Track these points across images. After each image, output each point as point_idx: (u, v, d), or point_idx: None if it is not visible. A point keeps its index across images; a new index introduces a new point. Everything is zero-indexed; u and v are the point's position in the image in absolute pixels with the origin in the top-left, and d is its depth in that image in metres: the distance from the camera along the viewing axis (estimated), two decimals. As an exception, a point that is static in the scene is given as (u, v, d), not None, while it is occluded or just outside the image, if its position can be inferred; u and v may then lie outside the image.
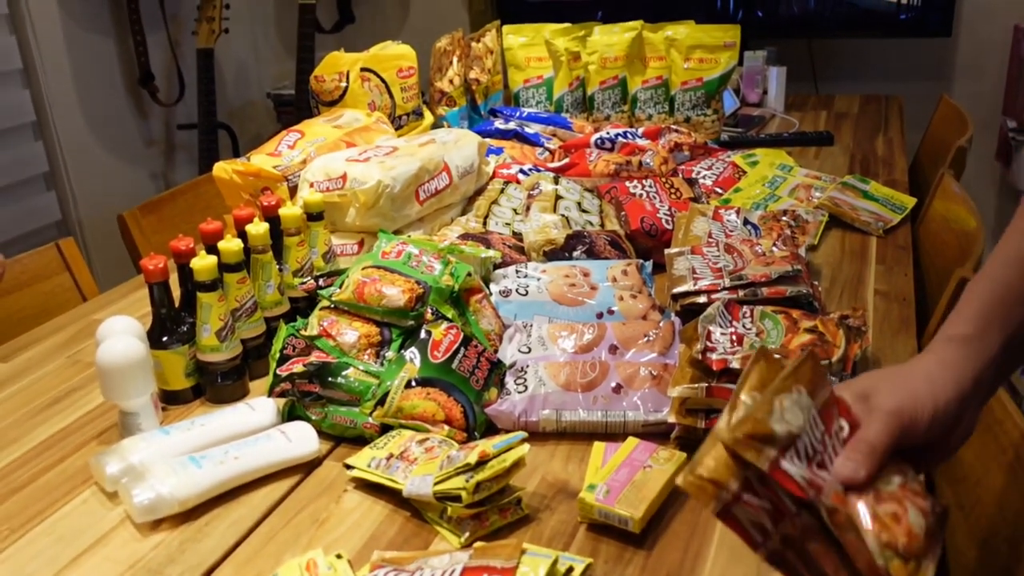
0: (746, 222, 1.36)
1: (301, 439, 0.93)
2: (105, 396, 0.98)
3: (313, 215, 1.18)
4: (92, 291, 1.53)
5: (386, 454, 0.89)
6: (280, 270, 1.14)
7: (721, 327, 0.94)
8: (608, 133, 1.74)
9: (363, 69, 1.67)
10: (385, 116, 1.66)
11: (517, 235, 1.34)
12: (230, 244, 1.04)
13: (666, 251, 1.24)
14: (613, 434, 0.94)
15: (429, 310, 1.01)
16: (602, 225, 1.39)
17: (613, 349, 1.00)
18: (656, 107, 1.97)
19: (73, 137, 2.59)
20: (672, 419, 0.90)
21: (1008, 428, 0.87)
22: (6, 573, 0.80)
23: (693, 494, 0.58)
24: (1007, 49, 2.53)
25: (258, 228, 1.09)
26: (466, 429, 0.93)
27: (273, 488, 0.90)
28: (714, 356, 0.89)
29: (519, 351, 1.02)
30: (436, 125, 1.84)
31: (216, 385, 1.06)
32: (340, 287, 1.05)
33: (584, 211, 1.41)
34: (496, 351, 1.04)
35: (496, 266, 1.22)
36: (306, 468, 0.93)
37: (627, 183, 1.48)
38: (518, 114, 1.92)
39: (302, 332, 1.01)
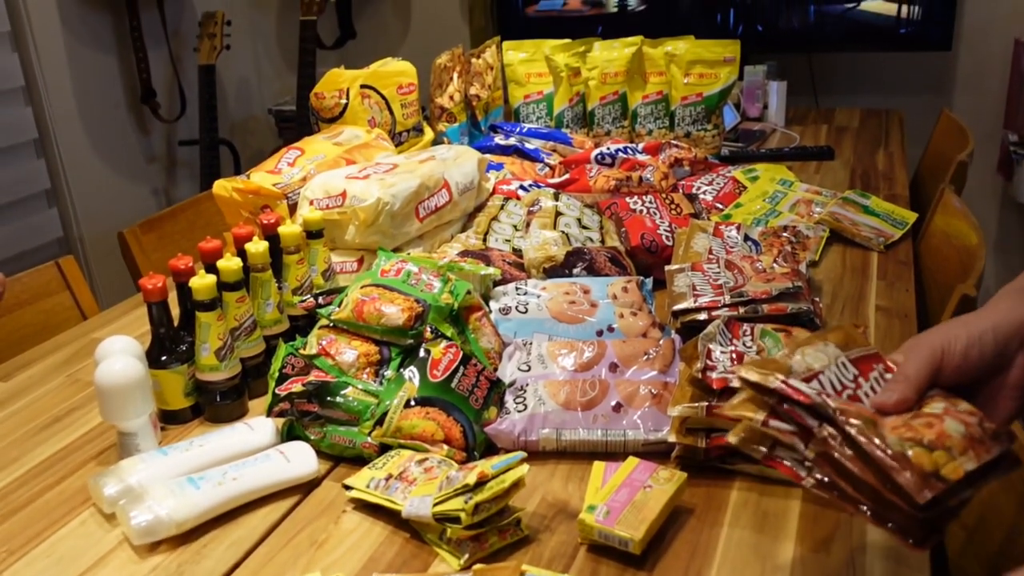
0: (747, 238, 1.36)
1: (300, 459, 0.92)
2: (104, 417, 0.97)
3: (313, 233, 1.18)
4: (92, 309, 1.53)
5: (385, 475, 0.88)
6: (279, 288, 1.14)
7: (721, 345, 0.94)
8: (608, 148, 1.74)
9: (363, 86, 1.67)
10: (385, 133, 1.66)
11: (517, 252, 1.34)
12: (229, 263, 1.04)
13: (666, 268, 1.24)
14: (613, 453, 0.93)
15: (428, 328, 1.01)
16: (602, 241, 1.38)
17: (613, 367, 1.00)
18: (656, 122, 1.97)
19: (75, 154, 2.59)
20: (672, 438, 0.89)
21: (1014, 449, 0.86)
22: (3, 596, 0.80)
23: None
24: (1008, 63, 2.54)
25: (257, 246, 1.09)
26: (465, 449, 0.92)
27: (272, 509, 0.89)
28: (714, 375, 0.88)
29: (519, 369, 1.02)
30: (436, 141, 1.84)
31: (215, 404, 1.06)
32: (339, 306, 1.04)
33: (584, 227, 1.41)
34: (495, 369, 1.04)
35: (496, 283, 1.22)
36: (305, 489, 0.92)
37: (627, 199, 1.48)
38: (518, 130, 1.93)
39: (301, 351, 1.01)
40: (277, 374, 0.99)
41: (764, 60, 2.37)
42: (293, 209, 1.36)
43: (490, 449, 0.95)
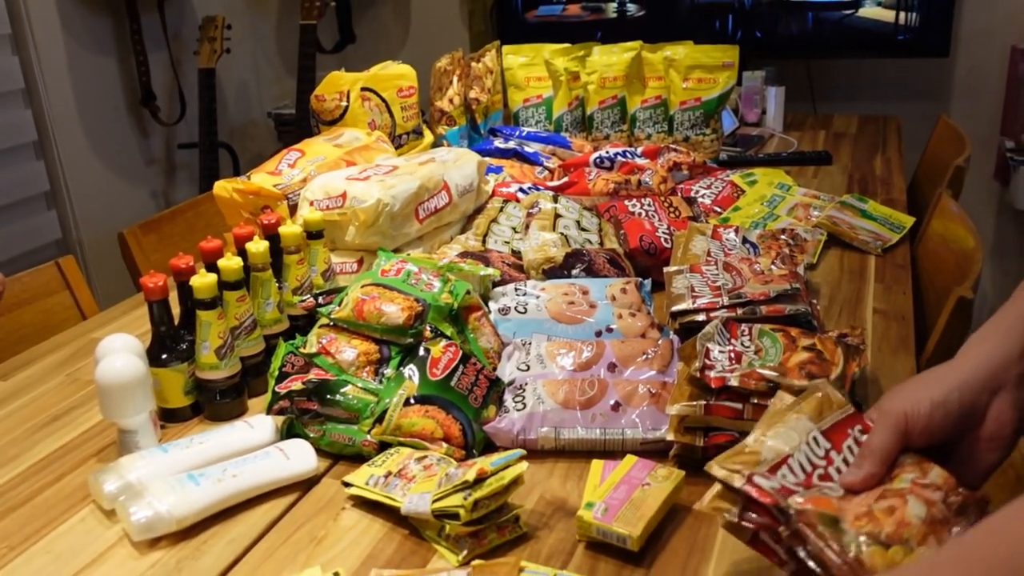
0: (745, 241, 1.36)
1: (299, 457, 0.93)
2: (104, 414, 0.98)
3: (313, 233, 1.19)
4: (92, 309, 1.53)
5: (384, 472, 0.89)
6: (279, 288, 1.14)
7: (719, 345, 0.94)
8: (607, 152, 1.75)
9: (363, 88, 1.68)
10: (385, 135, 1.67)
11: (516, 253, 1.34)
12: (230, 262, 1.05)
13: (665, 269, 1.24)
14: (611, 452, 0.94)
15: (428, 328, 1.01)
16: (601, 243, 1.39)
17: (612, 367, 1.00)
18: (655, 126, 1.98)
19: (74, 156, 2.60)
20: (671, 437, 0.90)
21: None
22: (3, 591, 0.80)
23: (724, 527, 0.67)
24: (1005, 69, 2.55)
25: (258, 246, 1.10)
26: (464, 447, 0.93)
27: (271, 506, 0.90)
28: (712, 374, 0.89)
29: (518, 369, 1.02)
30: (436, 144, 1.85)
31: (215, 403, 1.06)
32: (339, 305, 1.05)
33: (583, 229, 1.42)
34: (495, 369, 1.04)
35: (495, 284, 1.23)
36: (304, 486, 0.92)
37: (626, 202, 1.49)
38: (518, 133, 1.93)
39: (301, 350, 1.02)
40: (277, 372, 0.99)
41: (762, 66, 2.38)
42: (293, 210, 1.36)
43: (489, 447, 0.95)
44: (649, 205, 1.47)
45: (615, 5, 2.77)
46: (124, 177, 2.80)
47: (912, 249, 1.49)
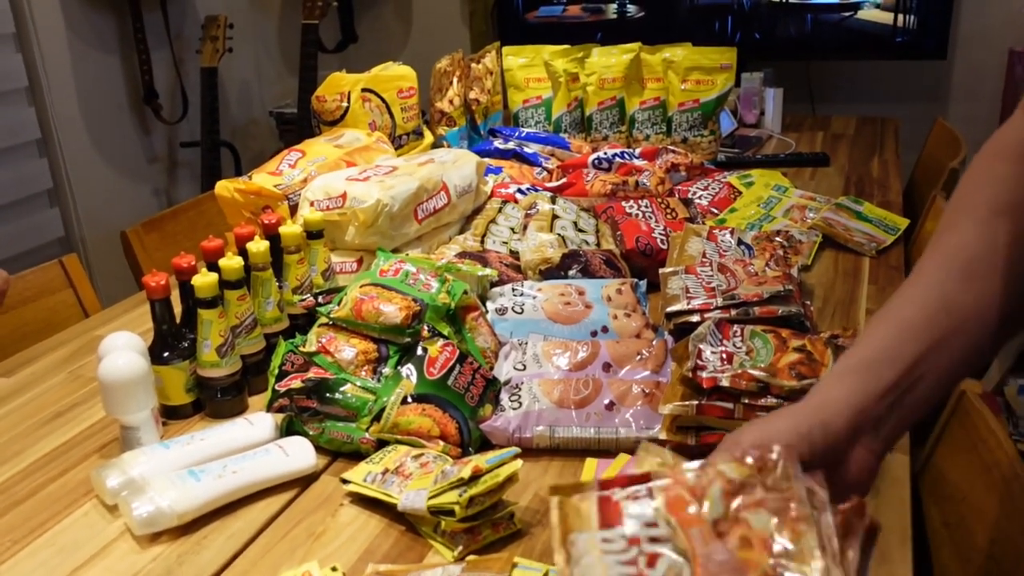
0: (740, 242, 1.38)
1: (298, 454, 0.94)
2: (107, 411, 0.99)
3: (313, 233, 1.20)
4: (94, 307, 1.55)
5: (382, 469, 0.90)
6: (280, 287, 1.16)
7: (712, 346, 0.96)
8: (606, 153, 1.76)
9: (364, 89, 1.69)
10: (385, 136, 1.68)
11: (514, 254, 1.36)
12: (231, 261, 1.06)
13: (660, 270, 1.26)
14: (606, 450, 0.95)
15: (425, 327, 1.03)
16: (598, 244, 1.41)
17: (607, 367, 1.02)
18: (654, 128, 1.99)
19: (77, 154, 2.61)
20: (663, 436, 0.91)
21: (992, 446, 0.88)
22: (7, 584, 0.82)
23: None
24: (1002, 72, 2.56)
25: (259, 246, 1.11)
26: (461, 445, 0.94)
27: (270, 502, 0.91)
28: (704, 374, 0.90)
29: (514, 368, 1.04)
30: (436, 145, 1.86)
31: (216, 400, 1.07)
32: (338, 304, 1.06)
33: (580, 230, 1.43)
34: (492, 368, 1.06)
35: (493, 284, 1.24)
36: (303, 482, 0.94)
37: (623, 203, 1.50)
38: (517, 134, 1.95)
39: (301, 348, 1.03)
40: (277, 371, 1.01)
41: (761, 67, 2.39)
42: (294, 210, 1.38)
43: (485, 445, 0.97)
44: (646, 206, 1.49)
45: (615, 6, 2.78)
46: (126, 175, 2.81)
47: (907, 251, 1.51)
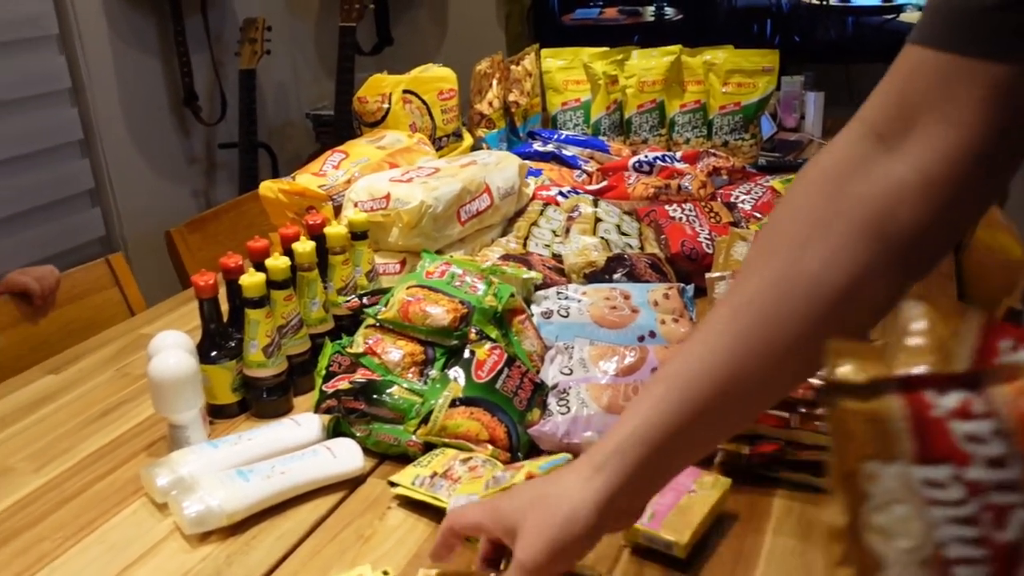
0: (787, 247, 1.35)
1: (346, 455, 0.94)
2: (156, 409, 1.00)
3: (357, 234, 1.20)
4: (140, 305, 1.56)
5: (430, 472, 0.90)
6: (325, 288, 1.16)
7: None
8: (646, 156, 1.75)
9: (405, 91, 1.69)
10: (426, 137, 1.68)
11: (557, 257, 1.35)
12: (278, 261, 1.06)
13: (707, 275, 1.24)
14: (655, 457, 0.94)
15: (473, 330, 1.02)
16: (642, 248, 1.39)
17: (655, 372, 1.00)
18: (694, 131, 1.98)
19: (118, 155, 2.64)
20: (715, 443, 0.90)
21: None
22: (60, 581, 0.82)
23: None
24: (1049, 76, 2.51)
25: (305, 246, 1.11)
26: (510, 449, 0.93)
27: (318, 503, 0.91)
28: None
29: (561, 372, 1.03)
30: (475, 147, 1.86)
31: (261, 400, 1.07)
32: (385, 306, 1.06)
33: (624, 234, 1.42)
34: (538, 372, 1.05)
35: (537, 287, 1.23)
36: (350, 484, 0.94)
37: (667, 207, 1.49)
38: (556, 136, 1.94)
39: (348, 349, 1.03)
40: (324, 371, 1.00)
41: (801, 70, 2.36)
42: (338, 211, 1.38)
43: (533, 450, 0.96)
44: (690, 210, 1.47)
45: (652, 9, 2.77)
46: (166, 176, 2.84)
47: (957, 258, 1.48)
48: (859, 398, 0.35)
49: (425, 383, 1.00)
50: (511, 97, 1.97)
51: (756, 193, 1.66)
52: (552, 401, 0.98)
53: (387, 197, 1.30)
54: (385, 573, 0.78)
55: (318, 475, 0.92)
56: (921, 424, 0.35)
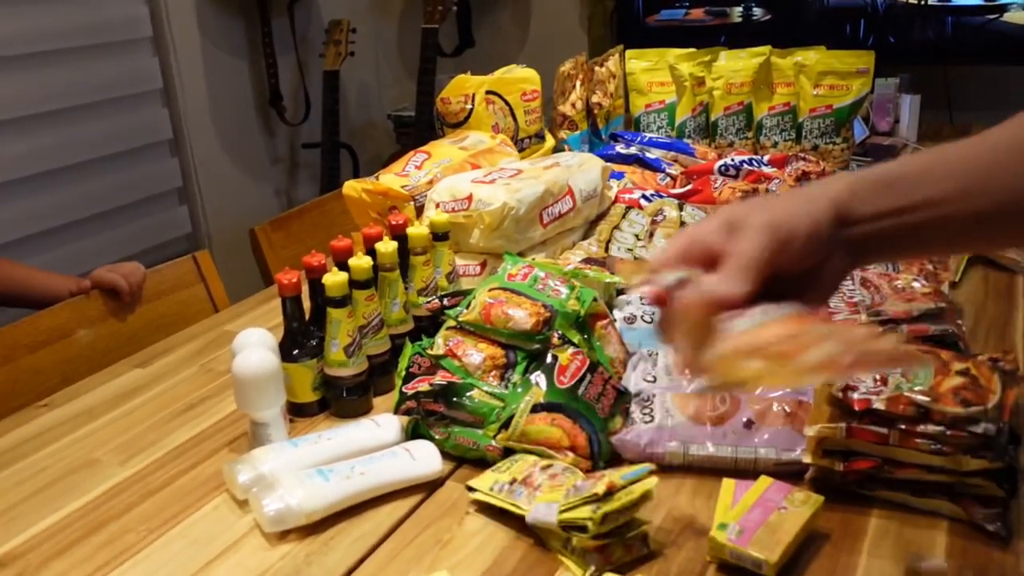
0: (882, 255, 1.30)
1: (425, 458, 0.93)
2: (239, 406, 1.00)
3: (439, 235, 1.19)
4: (224, 302, 1.59)
5: (509, 478, 0.88)
6: (405, 289, 1.15)
7: (862, 365, 0.89)
8: (733, 160, 1.70)
9: (488, 92, 1.69)
10: (508, 138, 1.67)
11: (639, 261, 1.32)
12: (360, 261, 1.06)
13: (797, 283, 1.19)
14: (742, 471, 0.90)
15: (556, 334, 1.00)
16: (728, 254, 1.35)
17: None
18: (782, 134, 1.92)
19: (206, 154, 2.71)
20: (807, 459, 0.86)
21: None
22: (144, 572, 0.83)
23: None
24: None
25: (387, 246, 1.11)
26: (591, 457, 0.91)
27: (396, 506, 0.90)
28: (855, 395, 0.84)
29: (644, 380, 1.00)
30: (557, 149, 1.84)
31: (341, 400, 1.07)
32: (467, 308, 1.05)
33: (709, 239, 1.38)
34: (620, 379, 1.02)
35: (619, 292, 1.21)
36: (428, 487, 0.93)
37: (754, 211, 1.44)
38: (639, 139, 1.90)
39: (428, 351, 1.02)
40: (404, 373, 1.00)
41: (896, 72, 2.27)
42: (420, 211, 1.37)
43: (614, 459, 0.94)
44: (779, 215, 1.42)
45: (740, 9, 2.71)
46: (250, 175, 2.90)
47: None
48: None
49: (506, 387, 0.98)
50: (594, 99, 1.95)
51: (848, 199, 1.60)
52: (635, 409, 0.96)
53: (469, 198, 1.29)
54: (463, 580, 0.77)
55: (397, 477, 0.91)
56: None
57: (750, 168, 1.68)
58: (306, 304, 1.09)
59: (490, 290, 1.06)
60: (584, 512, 0.77)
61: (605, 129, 1.98)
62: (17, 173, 2.23)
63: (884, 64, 2.25)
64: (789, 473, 0.88)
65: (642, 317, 1.12)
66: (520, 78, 1.75)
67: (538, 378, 0.96)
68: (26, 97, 2.23)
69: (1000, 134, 0.60)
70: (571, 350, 0.98)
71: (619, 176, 1.68)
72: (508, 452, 0.94)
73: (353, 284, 1.06)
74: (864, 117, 2.18)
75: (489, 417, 0.94)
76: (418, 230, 1.16)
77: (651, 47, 2.03)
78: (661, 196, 1.57)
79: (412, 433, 0.99)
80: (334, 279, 1.03)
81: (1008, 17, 2.38)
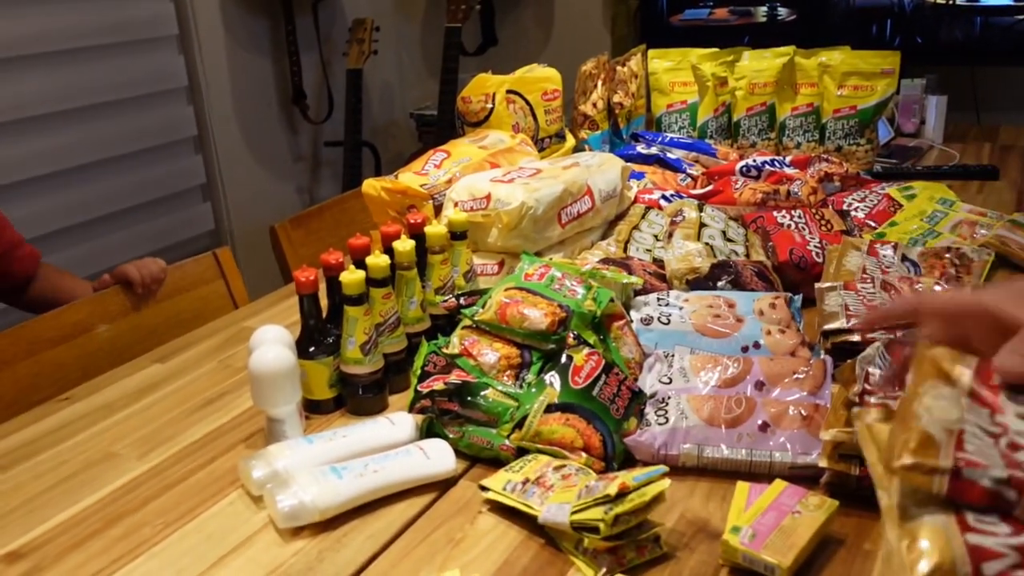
0: (904, 258, 1.28)
1: (439, 456, 0.93)
2: (255, 402, 1.01)
3: (457, 234, 1.19)
4: (243, 299, 1.60)
5: (522, 478, 0.88)
6: (423, 287, 1.15)
7: (881, 369, 0.88)
8: (754, 161, 1.69)
9: (509, 91, 1.68)
10: (528, 138, 1.67)
11: (657, 262, 1.31)
12: (378, 259, 1.06)
13: (816, 285, 1.19)
14: (757, 474, 0.90)
15: (571, 335, 1.00)
16: (747, 255, 1.34)
17: (759, 385, 0.96)
18: (805, 135, 1.90)
19: (229, 151, 2.73)
20: (823, 464, 0.85)
21: None
22: (160, 565, 0.84)
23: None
24: None
25: (405, 245, 1.11)
26: (604, 458, 0.91)
27: (409, 504, 0.90)
28: (873, 400, 0.83)
29: (659, 381, 1.00)
30: (578, 148, 1.83)
31: (357, 397, 1.08)
32: (483, 307, 1.05)
33: (729, 240, 1.37)
34: (635, 380, 1.02)
35: (637, 293, 1.20)
36: (442, 486, 0.93)
37: (775, 213, 1.43)
38: (660, 139, 1.90)
39: (444, 350, 1.02)
40: (419, 371, 1.00)
41: (922, 73, 2.25)
42: (438, 210, 1.38)
43: (628, 460, 0.93)
44: (799, 217, 1.41)
45: (764, 9, 2.69)
46: (273, 172, 2.92)
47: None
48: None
49: (520, 387, 0.98)
50: (615, 98, 1.94)
51: (871, 201, 1.59)
52: (650, 411, 0.95)
53: (487, 197, 1.29)
54: (474, 579, 0.77)
55: (410, 475, 0.91)
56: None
57: (772, 169, 1.67)
58: (324, 302, 1.10)
59: (506, 290, 1.06)
60: (596, 513, 0.77)
61: (626, 129, 1.97)
62: (43, 169, 2.26)
63: (910, 64, 2.22)
64: (804, 477, 0.88)
65: (659, 319, 1.12)
66: (541, 77, 1.74)
67: (552, 378, 0.95)
68: (53, 94, 2.26)
69: None
70: (586, 350, 0.98)
71: (639, 176, 1.67)
72: (522, 452, 0.94)
73: (370, 282, 1.06)
74: (889, 118, 2.16)
75: (503, 417, 0.94)
76: (436, 229, 1.16)
77: (675, 47, 2.02)
78: (681, 197, 1.56)
79: (426, 432, 0.99)
80: (351, 277, 1.03)
81: (1038, 17, 2.34)
